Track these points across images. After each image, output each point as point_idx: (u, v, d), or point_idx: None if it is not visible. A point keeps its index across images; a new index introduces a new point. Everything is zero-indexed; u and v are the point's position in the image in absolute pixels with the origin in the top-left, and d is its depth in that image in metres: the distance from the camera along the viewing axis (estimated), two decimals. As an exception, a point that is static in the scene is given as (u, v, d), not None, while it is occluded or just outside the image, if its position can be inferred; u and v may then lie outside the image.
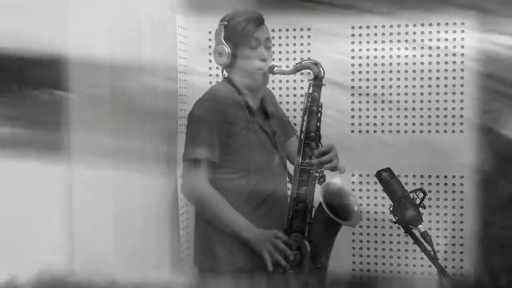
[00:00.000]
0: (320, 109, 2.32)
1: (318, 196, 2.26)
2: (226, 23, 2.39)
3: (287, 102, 3.07)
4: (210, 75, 3.12)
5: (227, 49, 2.36)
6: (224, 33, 2.38)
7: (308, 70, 2.34)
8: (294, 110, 3.06)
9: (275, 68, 2.36)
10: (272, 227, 2.29)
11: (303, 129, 2.32)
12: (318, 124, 2.32)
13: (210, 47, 3.10)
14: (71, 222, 1.95)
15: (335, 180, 2.33)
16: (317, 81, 2.31)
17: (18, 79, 1.76)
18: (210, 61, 3.10)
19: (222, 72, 2.46)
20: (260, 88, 2.46)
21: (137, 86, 2.39)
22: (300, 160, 2.30)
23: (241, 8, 2.48)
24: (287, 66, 2.36)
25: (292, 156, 2.55)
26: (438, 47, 2.89)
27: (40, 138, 1.83)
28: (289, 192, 2.36)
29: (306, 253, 2.23)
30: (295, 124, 2.75)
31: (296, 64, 2.35)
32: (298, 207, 2.29)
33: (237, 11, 2.43)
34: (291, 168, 2.48)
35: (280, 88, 3.07)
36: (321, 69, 2.32)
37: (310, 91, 2.33)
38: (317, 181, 2.29)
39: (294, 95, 3.08)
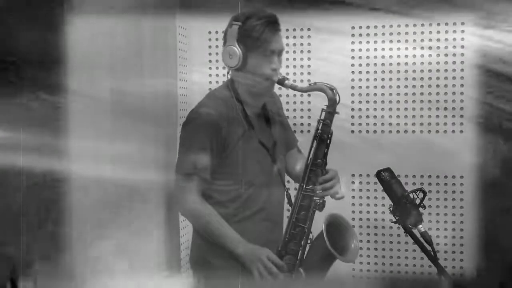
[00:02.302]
0: (330, 136, 2.27)
1: (317, 222, 2.25)
2: (240, 23, 2.25)
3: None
4: (210, 75, 3.12)
5: (238, 51, 2.24)
6: (238, 34, 2.24)
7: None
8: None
9: (286, 81, 2.27)
10: (264, 241, 2.28)
11: (311, 156, 2.28)
12: (326, 150, 2.28)
13: (210, 47, 3.11)
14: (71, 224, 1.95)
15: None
16: (331, 108, 2.25)
17: (17, 82, 1.75)
18: (210, 61, 3.10)
19: (228, 73, 2.37)
20: (263, 95, 2.40)
21: (137, 88, 2.38)
22: (304, 186, 2.27)
23: (253, 8, 2.35)
24: (302, 81, 2.26)
25: (291, 168, 2.52)
26: (438, 47, 2.89)
27: (40, 142, 1.82)
28: (287, 213, 2.34)
29: (301, 280, 2.22)
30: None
31: (311, 84, 2.29)
32: (295, 231, 2.26)
33: (253, 12, 2.29)
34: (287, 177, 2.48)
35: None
36: (337, 95, 2.24)
37: (322, 117, 2.27)
38: (317, 207, 2.27)
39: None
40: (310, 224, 2.28)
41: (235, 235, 2.26)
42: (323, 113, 2.27)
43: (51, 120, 1.87)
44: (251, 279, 2.23)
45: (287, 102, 3.06)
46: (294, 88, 2.31)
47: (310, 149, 2.29)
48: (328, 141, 2.28)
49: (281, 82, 2.29)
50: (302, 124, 3.04)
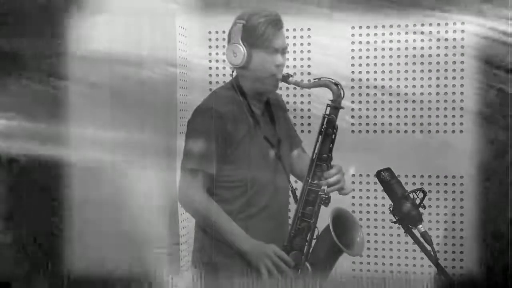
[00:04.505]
0: (335, 131, 2.28)
1: (323, 217, 2.26)
2: (244, 22, 2.29)
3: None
4: (210, 75, 3.12)
5: (242, 49, 2.28)
6: (242, 33, 2.28)
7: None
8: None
9: (290, 78, 2.30)
10: (269, 239, 2.28)
11: (316, 150, 2.28)
12: (331, 145, 2.28)
13: (210, 47, 3.11)
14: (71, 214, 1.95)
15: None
16: (336, 103, 2.27)
17: (18, 70, 1.75)
18: (210, 61, 3.10)
19: (233, 71, 2.39)
20: (268, 93, 2.42)
21: (137, 88, 2.39)
22: (310, 180, 2.28)
23: (258, 7, 2.39)
24: (307, 80, 2.29)
25: (295, 168, 2.52)
26: (438, 47, 2.89)
27: (40, 130, 1.82)
28: (292, 207, 2.34)
29: (307, 275, 2.23)
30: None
31: (315, 79, 2.31)
32: (301, 226, 2.27)
33: (256, 10, 2.33)
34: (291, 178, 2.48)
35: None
36: (341, 90, 2.27)
37: (327, 112, 2.28)
38: (322, 202, 2.27)
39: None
40: (316, 219, 2.28)
41: (241, 232, 2.27)
42: (328, 108, 2.28)
43: (51, 106, 1.88)
44: (255, 276, 2.23)
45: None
46: (298, 84, 2.34)
47: (316, 144, 2.29)
48: (333, 136, 2.28)
49: (285, 79, 2.32)
50: (302, 124, 3.05)
